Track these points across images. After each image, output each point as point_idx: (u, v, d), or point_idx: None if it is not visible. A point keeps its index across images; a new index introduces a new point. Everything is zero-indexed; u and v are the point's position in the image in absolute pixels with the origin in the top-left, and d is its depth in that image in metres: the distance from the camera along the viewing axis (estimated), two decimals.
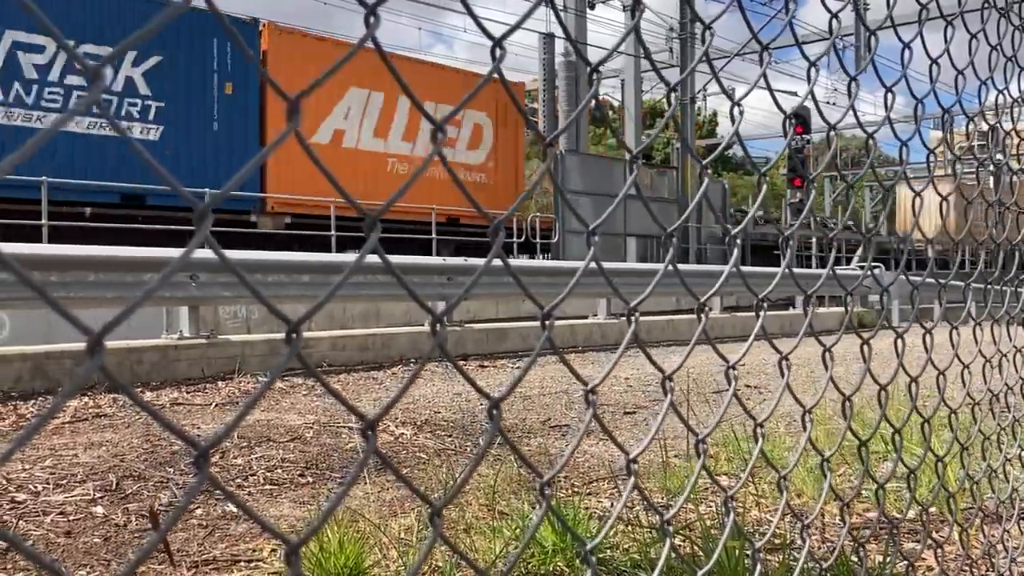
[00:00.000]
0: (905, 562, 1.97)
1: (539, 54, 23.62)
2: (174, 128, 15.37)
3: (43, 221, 12.22)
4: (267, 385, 0.68)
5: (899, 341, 1.72)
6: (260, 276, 7.56)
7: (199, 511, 3.13)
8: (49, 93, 13.98)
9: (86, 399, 5.58)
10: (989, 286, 2.37)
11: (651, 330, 11.71)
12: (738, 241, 1.24)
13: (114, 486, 3.51)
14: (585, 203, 19.34)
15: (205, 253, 0.91)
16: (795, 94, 17.36)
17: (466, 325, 9.87)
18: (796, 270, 1.54)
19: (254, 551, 2.74)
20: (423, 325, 10.04)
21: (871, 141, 1.74)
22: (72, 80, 14.03)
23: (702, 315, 1.18)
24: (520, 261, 15.07)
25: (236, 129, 16.12)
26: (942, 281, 2.03)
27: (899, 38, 1.69)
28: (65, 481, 3.57)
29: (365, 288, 8.06)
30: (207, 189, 13.07)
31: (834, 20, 1.54)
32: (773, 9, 22.08)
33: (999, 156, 2.50)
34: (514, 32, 0.95)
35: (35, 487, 3.46)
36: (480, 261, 9.79)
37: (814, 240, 24.48)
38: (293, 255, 9.96)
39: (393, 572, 2.46)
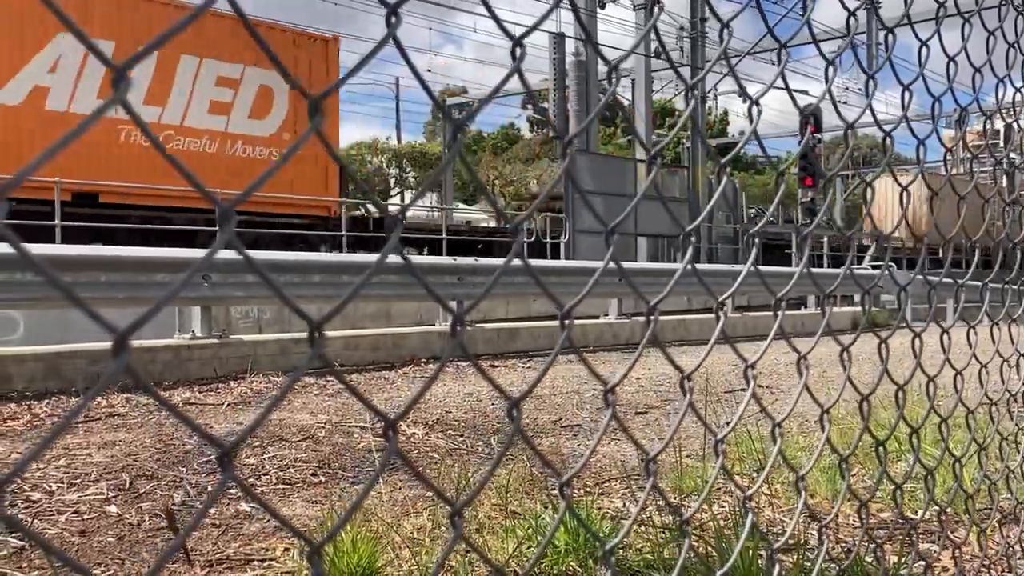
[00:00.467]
0: (922, 563, 1.96)
1: (549, 54, 23.58)
2: None
3: (56, 222, 12.27)
4: (290, 385, 0.68)
5: (916, 341, 1.71)
6: (273, 276, 7.56)
7: (212, 510, 3.14)
8: None
9: (99, 398, 5.60)
10: (1006, 286, 2.35)
11: (662, 330, 11.64)
12: (756, 240, 1.23)
13: (128, 485, 3.52)
14: (595, 203, 19.29)
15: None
16: (807, 93, 17.32)
17: (477, 325, 9.88)
18: (813, 270, 1.53)
19: (267, 550, 2.75)
20: (434, 325, 10.05)
21: (888, 140, 1.73)
22: None
23: (720, 314, 1.18)
24: (535, 262, 15.05)
25: None
26: (960, 281, 2.01)
27: (916, 36, 1.68)
28: (79, 480, 3.58)
29: (376, 288, 8.07)
30: None
31: (851, 18, 1.53)
32: (784, 8, 22.01)
33: (1013, 155, 2.49)
34: (533, 31, 0.95)
35: (49, 486, 3.47)
36: (490, 261, 9.77)
37: (826, 239, 24.37)
38: (305, 255, 9.98)
39: (406, 571, 2.46)
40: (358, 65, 0.79)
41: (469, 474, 3.37)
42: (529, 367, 8.48)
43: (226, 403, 5.82)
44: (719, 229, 24.80)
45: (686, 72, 23.29)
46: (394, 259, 0.77)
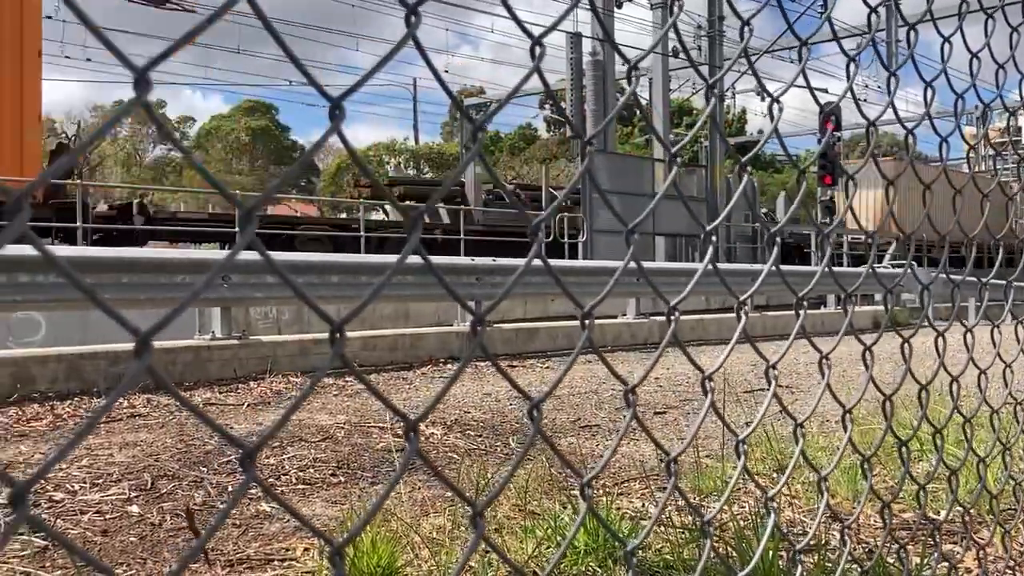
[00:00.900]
0: (945, 564, 1.94)
1: (566, 54, 23.56)
2: None
3: (78, 224, 12.38)
4: (311, 386, 0.68)
5: (940, 340, 1.69)
6: (292, 277, 7.59)
7: (233, 510, 3.16)
8: None
9: (121, 399, 5.64)
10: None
11: (680, 329, 11.64)
12: (777, 240, 1.22)
13: (149, 485, 3.54)
14: (613, 202, 19.23)
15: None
16: (825, 91, 17.21)
17: (495, 325, 9.88)
18: (834, 269, 1.52)
19: (287, 550, 2.76)
20: (452, 325, 10.06)
21: (910, 137, 1.72)
22: None
23: (742, 313, 1.17)
24: (554, 262, 15.02)
25: None
26: (983, 279, 1.99)
27: (939, 32, 1.66)
28: (101, 480, 3.61)
29: (396, 288, 8.08)
30: None
31: (873, 15, 1.52)
32: (802, 5, 21.89)
33: None
34: (552, 31, 0.95)
35: (72, 486, 3.50)
36: (509, 261, 9.75)
37: (846, 239, 24.21)
38: (323, 256, 10.02)
39: (425, 572, 2.46)
40: (378, 64, 0.79)
41: (488, 474, 3.36)
42: (548, 367, 8.47)
43: (246, 403, 5.85)
44: (737, 228, 24.68)
45: (706, 71, 23.20)
46: (414, 259, 0.77)
